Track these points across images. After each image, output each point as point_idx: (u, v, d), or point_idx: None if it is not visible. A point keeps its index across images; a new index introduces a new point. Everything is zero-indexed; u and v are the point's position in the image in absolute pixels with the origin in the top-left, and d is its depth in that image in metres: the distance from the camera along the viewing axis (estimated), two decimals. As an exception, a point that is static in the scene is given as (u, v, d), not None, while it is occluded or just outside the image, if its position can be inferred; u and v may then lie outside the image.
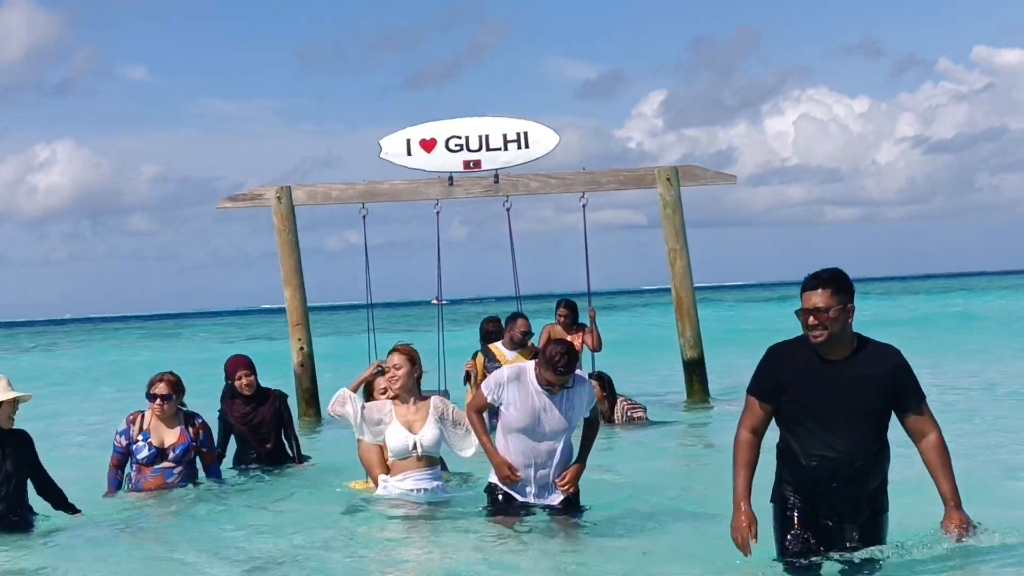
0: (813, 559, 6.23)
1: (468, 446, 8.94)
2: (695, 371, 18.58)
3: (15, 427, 9.02)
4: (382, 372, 9.18)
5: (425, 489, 8.81)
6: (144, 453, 9.97)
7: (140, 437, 10.03)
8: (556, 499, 8.28)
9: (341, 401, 8.85)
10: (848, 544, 6.28)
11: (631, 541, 7.99)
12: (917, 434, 6.19)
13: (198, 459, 10.24)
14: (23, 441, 9.02)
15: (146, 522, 9.28)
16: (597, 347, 15.63)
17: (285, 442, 11.21)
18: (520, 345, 14.12)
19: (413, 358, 8.95)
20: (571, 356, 8.03)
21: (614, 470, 10.88)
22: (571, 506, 8.31)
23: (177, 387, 10.10)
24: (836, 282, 6.12)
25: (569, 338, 14.58)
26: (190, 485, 10.06)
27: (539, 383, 8.06)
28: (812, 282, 6.14)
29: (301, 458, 11.23)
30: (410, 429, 8.77)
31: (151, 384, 10.16)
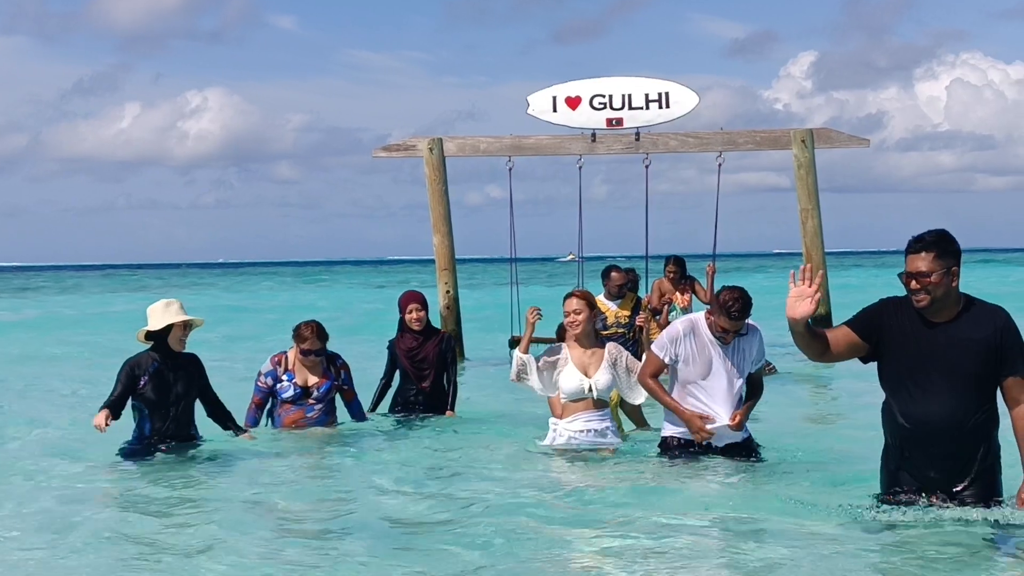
0: (917, 511, 6.19)
1: (639, 394, 8.98)
2: (821, 327, 19.04)
3: (187, 351, 9.29)
4: (540, 317, 9.04)
5: (595, 430, 8.84)
6: (289, 393, 10.13)
7: (285, 377, 10.19)
8: (729, 440, 8.25)
9: (521, 371, 8.90)
10: (955, 494, 6.17)
11: (791, 480, 7.93)
12: (1013, 401, 6.07)
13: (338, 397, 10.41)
14: (194, 364, 9.28)
15: (300, 452, 9.43)
16: (708, 300, 15.57)
17: (446, 386, 11.04)
18: (617, 297, 14.00)
19: (591, 302, 9.06)
20: (745, 300, 8.01)
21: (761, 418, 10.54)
22: (748, 448, 8.34)
23: (322, 335, 10.22)
24: (940, 245, 6.03)
25: (676, 292, 15.19)
26: (328, 421, 10.21)
27: (712, 333, 8.09)
28: (916, 245, 6.05)
29: (453, 406, 11.03)
30: (585, 372, 8.81)
31: (299, 334, 10.24)
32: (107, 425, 8.65)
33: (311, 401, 10.13)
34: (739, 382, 8.17)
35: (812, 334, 6.21)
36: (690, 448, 8.20)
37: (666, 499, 7.37)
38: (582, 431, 8.79)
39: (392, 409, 10.86)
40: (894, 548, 6.02)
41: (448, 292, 19.03)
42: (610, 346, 9.02)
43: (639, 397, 9.02)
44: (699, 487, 7.67)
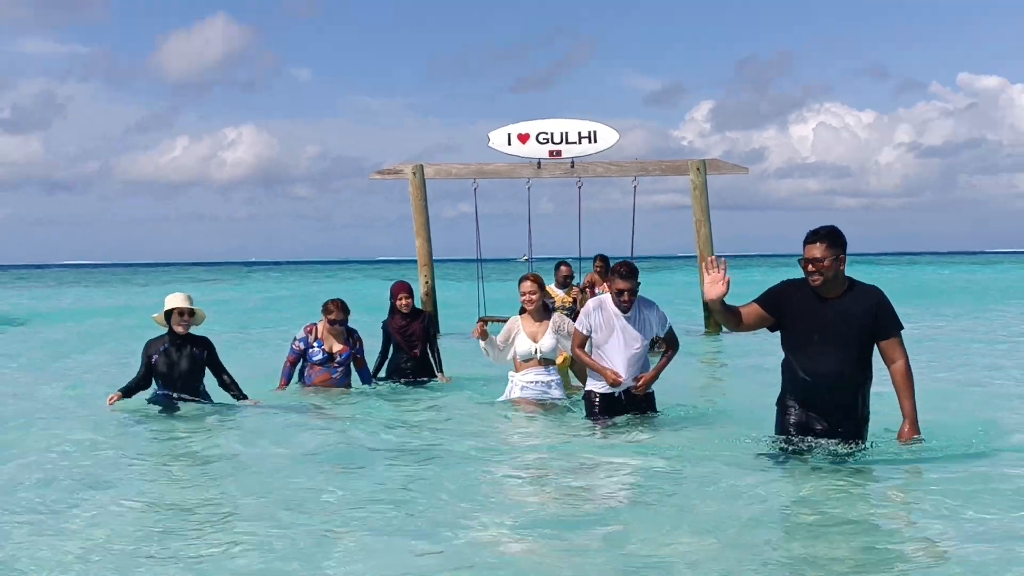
0: (804, 446, 6.14)
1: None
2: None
3: (200, 335, 8.97)
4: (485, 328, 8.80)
5: (541, 382, 8.71)
6: (318, 357, 9.93)
7: (316, 344, 9.99)
8: (630, 383, 7.97)
9: (485, 352, 8.79)
10: (833, 441, 6.13)
11: (683, 432, 7.75)
12: (888, 359, 6.04)
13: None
14: (202, 346, 8.87)
15: (318, 407, 9.18)
16: None
17: (430, 355, 10.79)
18: (563, 286, 13.92)
19: (541, 284, 8.95)
20: (630, 266, 7.91)
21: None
22: (649, 406, 8.13)
23: (344, 310, 10.06)
24: (831, 237, 5.99)
25: (603, 282, 14.68)
26: (345, 383, 9.99)
27: (616, 307, 7.94)
28: (812, 237, 5.99)
29: (441, 368, 10.80)
30: (533, 338, 8.71)
31: (327, 308, 10.06)
32: (111, 403, 8.55)
33: (335, 365, 9.96)
34: (638, 346, 7.95)
35: (727, 310, 6.15)
36: (606, 398, 8.00)
37: (587, 444, 7.33)
38: (531, 383, 8.70)
39: (388, 376, 10.63)
40: (786, 479, 5.92)
41: (427, 282, 18.96)
42: (555, 316, 8.93)
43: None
44: (615, 437, 7.54)
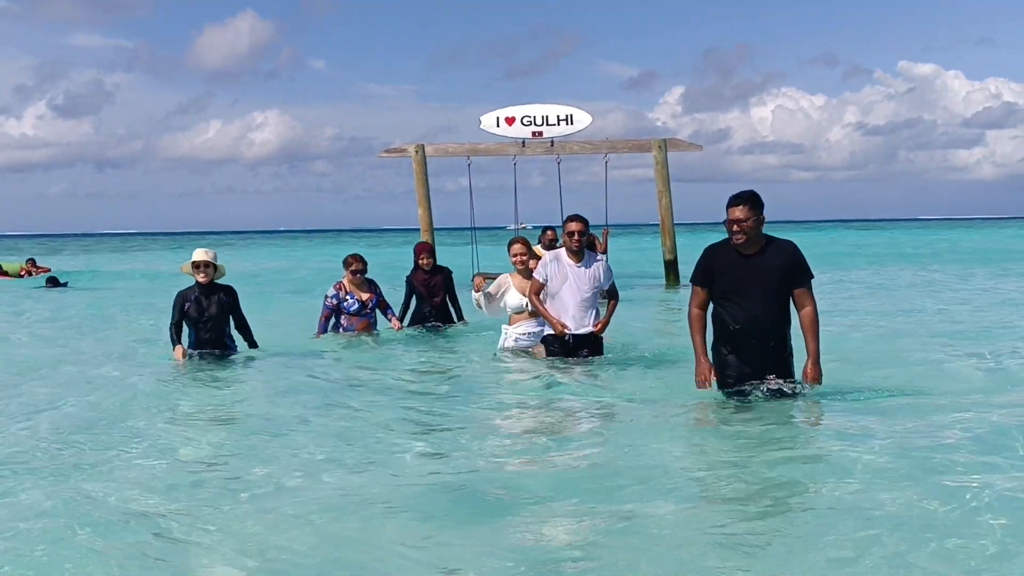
0: (742, 388, 6.07)
1: None
2: (671, 268, 19.30)
3: (225, 283, 8.89)
4: (483, 282, 8.75)
5: (531, 333, 8.50)
6: (354, 307, 9.95)
7: (348, 297, 9.99)
8: (584, 330, 7.93)
9: (478, 303, 8.73)
10: (765, 378, 6.06)
11: (634, 373, 7.80)
12: (799, 305, 5.97)
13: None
14: (227, 293, 8.81)
15: (346, 356, 9.18)
16: (603, 251, 15.00)
17: (450, 304, 10.70)
18: (549, 248, 13.17)
19: (529, 246, 8.86)
20: (579, 217, 7.90)
21: (617, 328, 10.39)
22: (596, 351, 8.07)
23: (363, 261, 10.10)
24: (752, 200, 5.88)
25: (590, 238, 15.05)
26: (378, 327, 10.06)
27: (568, 258, 7.92)
28: (736, 200, 5.89)
29: (461, 315, 10.73)
30: (523, 293, 8.55)
31: (346, 262, 10.10)
32: (183, 358, 8.44)
33: (367, 311, 10.01)
34: (588, 294, 7.91)
35: (704, 322, 6.14)
36: (558, 340, 7.95)
37: (553, 387, 7.22)
38: (523, 334, 8.58)
39: (412, 323, 10.53)
40: (725, 417, 5.86)
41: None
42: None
43: None
44: (571, 379, 7.43)
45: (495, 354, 8.68)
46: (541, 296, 8.07)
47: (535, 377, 7.65)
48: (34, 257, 24.96)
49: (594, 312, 8.07)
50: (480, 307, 8.81)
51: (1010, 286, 17.56)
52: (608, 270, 8.11)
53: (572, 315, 7.96)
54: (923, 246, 45.24)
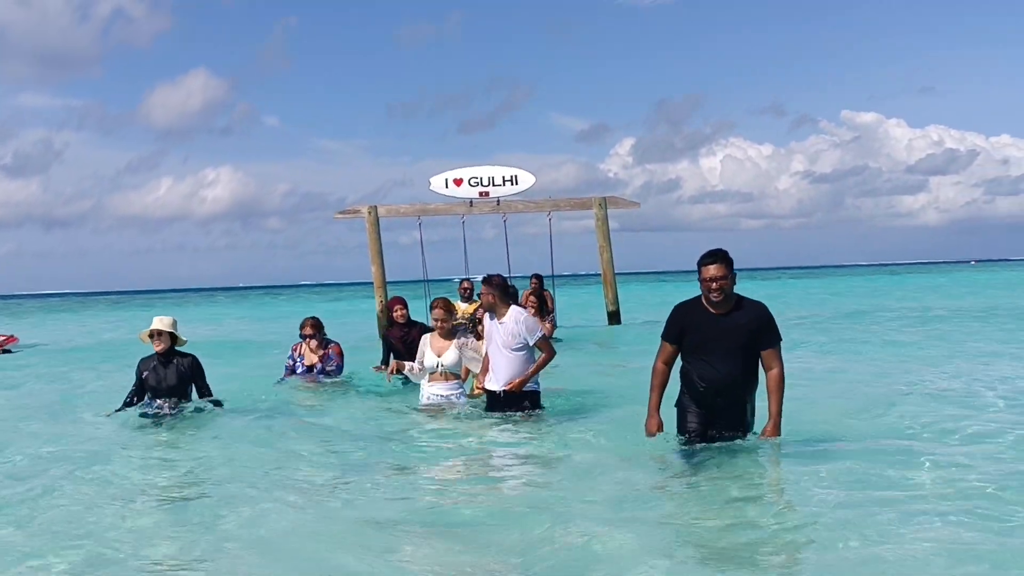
0: (701, 444, 6.02)
1: (474, 365, 8.62)
2: (614, 317, 20.17)
3: (187, 352, 8.59)
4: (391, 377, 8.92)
5: (442, 394, 8.52)
6: (300, 369, 10.18)
7: (299, 359, 10.23)
8: (500, 388, 7.85)
9: (417, 373, 8.69)
10: (725, 436, 6.01)
11: (578, 424, 7.78)
12: (767, 366, 5.89)
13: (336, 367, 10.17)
14: (188, 362, 8.52)
15: (294, 408, 9.16)
16: (550, 308, 15.29)
17: None
18: (467, 299, 14.07)
19: (450, 309, 8.83)
20: (497, 278, 7.92)
21: (562, 372, 10.49)
22: (533, 403, 7.93)
23: (317, 327, 10.14)
24: (726, 258, 5.85)
25: (543, 294, 15.01)
26: (328, 381, 10.01)
27: (491, 317, 7.93)
28: (710, 258, 5.82)
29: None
30: (438, 354, 8.55)
31: (301, 326, 10.20)
32: (108, 415, 8.42)
33: (315, 372, 10.13)
34: (506, 350, 7.84)
35: (666, 377, 6.11)
36: (492, 395, 7.94)
37: (483, 439, 7.29)
38: (436, 394, 8.57)
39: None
40: (682, 470, 5.86)
41: (381, 301, 19.76)
42: (459, 339, 8.72)
43: (476, 367, 8.69)
44: (504, 433, 7.45)
45: (417, 408, 8.66)
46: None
47: (447, 431, 7.62)
48: None
49: (519, 369, 7.87)
50: (410, 376, 8.88)
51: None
52: (531, 325, 7.92)
53: (494, 371, 7.93)
54: (875, 291, 45.34)
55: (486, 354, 8.11)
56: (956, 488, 5.17)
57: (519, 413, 7.86)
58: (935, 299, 32.37)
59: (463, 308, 14.04)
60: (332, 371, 10.23)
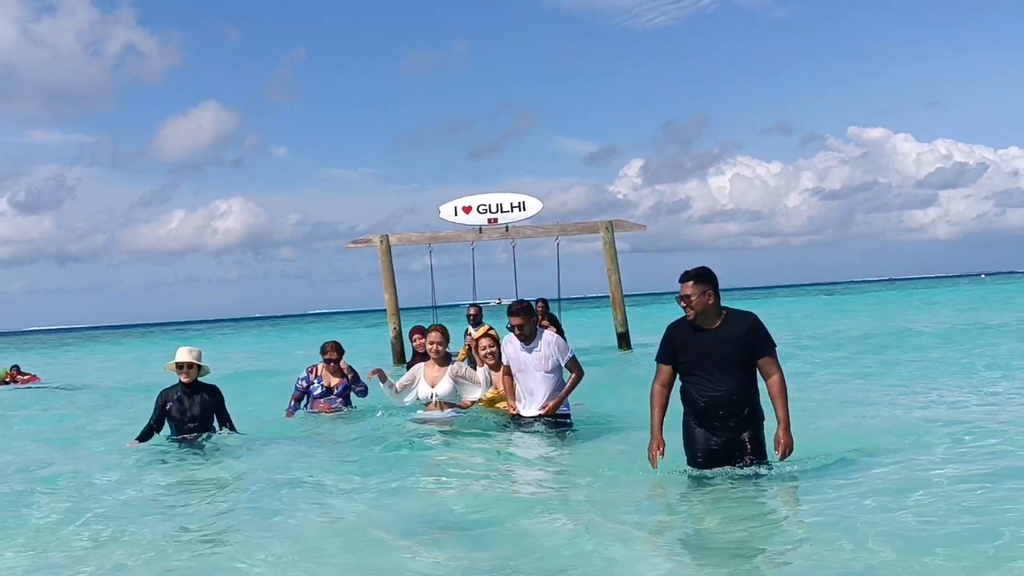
0: (706, 471, 5.96)
1: (471, 394, 8.58)
2: (623, 339, 20.31)
3: (209, 383, 8.61)
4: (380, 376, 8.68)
5: (437, 419, 8.45)
6: (318, 391, 9.95)
7: (316, 381, 10.00)
8: (534, 412, 7.91)
9: (391, 396, 8.63)
10: (735, 455, 5.90)
11: (601, 443, 7.76)
12: (765, 374, 5.83)
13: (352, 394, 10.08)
14: (212, 393, 8.56)
15: (316, 435, 9.03)
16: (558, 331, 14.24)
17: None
18: (475, 325, 13.92)
19: (446, 335, 8.75)
20: (523, 304, 7.90)
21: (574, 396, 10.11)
22: (557, 424, 7.93)
23: (340, 351, 10.07)
24: (697, 276, 5.82)
25: (545, 321, 14.59)
26: (346, 408, 9.90)
27: (518, 342, 7.91)
28: (682, 277, 5.85)
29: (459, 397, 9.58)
30: (432, 385, 8.42)
31: (323, 349, 10.08)
32: (130, 445, 8.39)
33: (333, 396, 9.95)
34: (540, 373, 7.86)
35: (665, 399, 6.05)
36: (521, 418, 7.97)
37: (510, 458, 7.24)
38: (431, 419, 8.50)
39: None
40: (696, 490, 5.82)
41: (395, 328, 20.13)
42: (454, 366, 8.65)
43: (472, 396, 8.64)
44: (536, 449, 7.44)
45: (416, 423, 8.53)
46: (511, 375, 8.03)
47: (483, 444, 7.62)
48: (18, 364, 23.30)
49: (551, 391, 7.94)
50: (386, 393, 8.67)
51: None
52: (563, 347, 7.97)
53: (530, 395, 7.93)
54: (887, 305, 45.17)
55: (507, 380, 7.97)
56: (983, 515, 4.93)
57: (554, 430, 7.87)
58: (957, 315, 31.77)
59: (475, 333, 14.10)
60: (360, 391, 10.11)
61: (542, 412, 7.89)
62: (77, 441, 10.33)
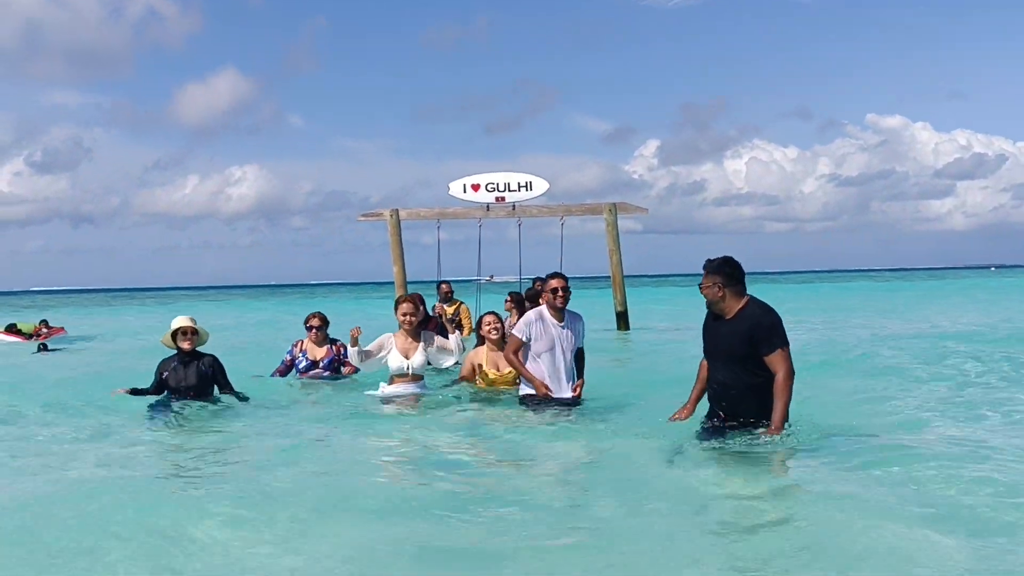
0: (719, 437, 5.96)
1: (444, 360, 8.42)
2: (622, 318, 20.78)
3: (207, 352, 8.55)
4: (360, 332, 8.32)
5: (405, 392, 8.32)
6: (303, 365, 9.90)
7: (301, 355, 9.96)
8: (569, 394, 7.63)
9: (357, 358, 8.33)
10: (740, 436, 5.95)
11: (613, 418, 7.55)
12: (773, 371, 5.83)
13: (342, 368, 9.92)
14: (208, 363, 8.49)
15: (302, 402, 8.92)
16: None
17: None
18: (446, 301, 14.21)
19: (419, 304, 8.54)
20: (562, 275, 7.69)
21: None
22: (576, 402, 7.67)
23: (324, 321, 10.00)
24: (711, 268, 5.92)
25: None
26: (337, 379, 9.74)
27: (551, 317, 7.64)
28: (704, 266, 5.96)
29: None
30: (405, 355, 8.23)
31: (307, 319, 10.06)
32: (114, 394, 8.45)
33: (318, 369, 9.91)
34: (570, 354, 7.66)
35: (706, 377, 6.19)
36: (538, 401, 7.63)
37: (528, 437, 6.95)
38: (397, 394, 8.33)
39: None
40: (707, 459, 5.80)
41: None
42: (424, 334, 8.45)
43: (446, 362, 8.50)
44: (554, 427, 7.20)
45: (381, 400, 8.30)
46: (521, 354, 7.70)
47: (517, 420, 7.37)
48: (47, 318, 23.55)
49: (571, 372, 7.77)
50: (353, 359, 8.40)
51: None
52: (584, 327, 7.89)
53: (556, 378, 7.64)
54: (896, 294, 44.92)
55: (517, 359, 7.62)
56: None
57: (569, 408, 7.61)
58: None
59: (449, 310, 14.17)
60: (349, 367, 9.89)
61: (574, 395, 7.65)
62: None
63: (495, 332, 8.39)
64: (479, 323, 8.71)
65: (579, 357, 7.87)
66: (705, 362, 6.20)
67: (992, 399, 8.78)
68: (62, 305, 61.23)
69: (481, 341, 8.82)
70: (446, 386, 8.79)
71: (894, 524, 4.40)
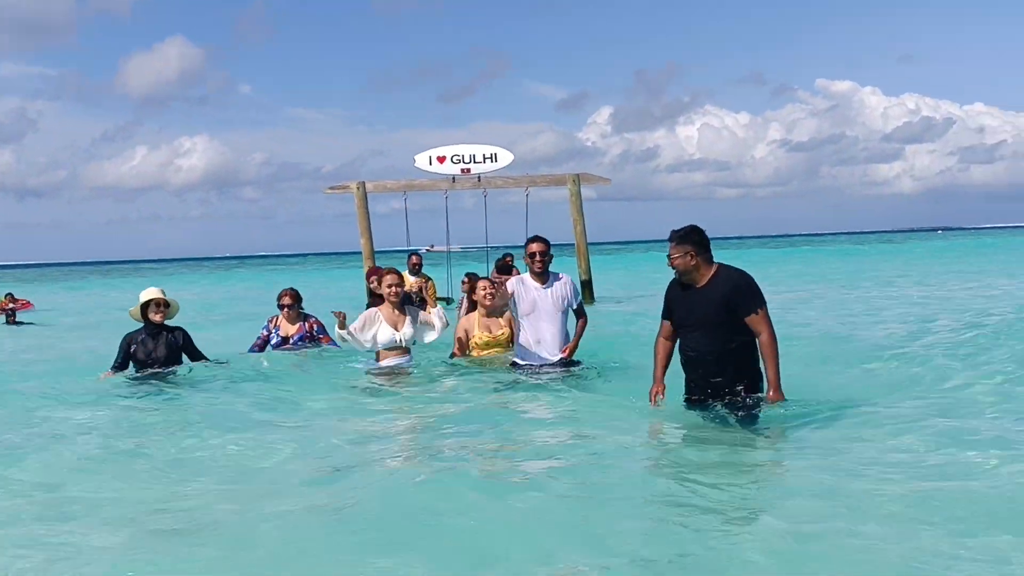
0: (703, 407, 6.00)
1: (427, 335, 8.36)
2: (586, 287, 20.92)
3: (175, 324, 8.48)
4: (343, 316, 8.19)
5: (394, 364, 8.26)
6: (275, 341, 9.83)
7: (273, 331, 9.89)
8: (556, 357, 7.68)
9: (343, 339, 8.23)
10: (726, 402, 5.96)
11: (602, 384, 7.60)
12: (754, 333, 5.83)
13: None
14: (176, 335, 8.45)
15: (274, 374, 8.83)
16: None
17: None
18: (415, 273, 14.41)
19: (402, 278, 8.49)
20: (542, 239, 7.71)
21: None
22: (566, 364, 7.74)
23: (295, 298, 9.85)
24: (680, 237, 5.90)
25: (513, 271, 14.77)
26: (311, 349, 9.68)
27: (533, 281, 7.71)
28: (670, 236, 5.96)
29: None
30: (395, 327, 8.18)
31: (279, 296, 9.89)
32: (103, 378, 8.34)
33: (289, 345, 9.80)
34: (559, 315, 7.69)
35: (668, 349, 6.21)
36: (529, 368, 7.72)
37: (527, 403, 6.98)
38: (387, 365, 8.27)
39: None
40: (689, 432, 5.86)
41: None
42: (409, 308, 8.45)
43: (429, 337, 8.43)
44: (548, 396, 7.17)
45: (366, 373, 8.35)
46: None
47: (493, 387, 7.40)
48: (12, 292, 23.16)
49: (561, 334, 7.80)
50: (344, 341, 8.32)
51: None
52: (575, 288, 7.88)
53: (542, 341, 7.71)
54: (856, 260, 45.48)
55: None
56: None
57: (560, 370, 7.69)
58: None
59: (411, 281, 14.24)
60: (326, 339, 9.86)
61: (563, 355, 7.70)
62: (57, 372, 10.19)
63: (490, 298, 8.49)
64: (472, 288, 8.89)
65: (580, 317, 7.89)
66: (663, 338, 6.21)
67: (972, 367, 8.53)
68: (15, 281, 60.14)
69: (472, 307, 9.08)
70: (442, 362, 8.81)
71: (881, 499, 4.34)
